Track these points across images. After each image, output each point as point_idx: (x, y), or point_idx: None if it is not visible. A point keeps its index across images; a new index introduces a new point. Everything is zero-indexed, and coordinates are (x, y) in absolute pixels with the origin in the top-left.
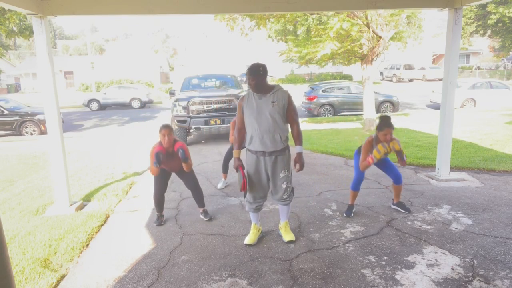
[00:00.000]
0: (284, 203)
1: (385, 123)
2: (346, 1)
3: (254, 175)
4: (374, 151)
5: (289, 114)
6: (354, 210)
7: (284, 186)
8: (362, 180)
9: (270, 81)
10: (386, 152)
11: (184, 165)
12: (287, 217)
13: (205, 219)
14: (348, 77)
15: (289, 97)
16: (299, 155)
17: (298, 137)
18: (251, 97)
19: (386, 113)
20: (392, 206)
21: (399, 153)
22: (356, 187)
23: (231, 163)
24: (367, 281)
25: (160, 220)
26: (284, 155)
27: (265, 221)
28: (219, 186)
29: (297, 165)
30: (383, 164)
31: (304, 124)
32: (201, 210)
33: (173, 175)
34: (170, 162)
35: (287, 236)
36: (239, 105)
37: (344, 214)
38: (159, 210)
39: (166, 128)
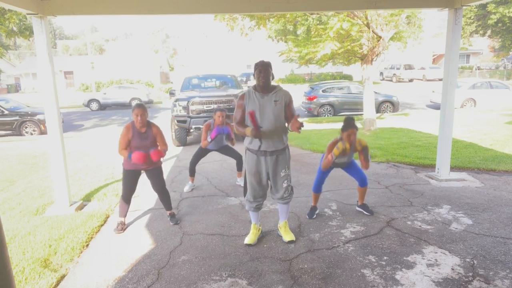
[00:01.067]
0: (284, 201)
1: (348, 124)
2: (346, 1)
3: (255, 174)
4: (334, 148)
5: (290, 112)
6: (317, 211)
7: (285, 185)
8: (323, 182)
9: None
10: (344, 148)
11: (152, 152)
12: (286, 216)
13: (171, 224)
14: (348, 77)
15: (291, 97)
16: (296, 116)
17: None
18: (252, 96)
19: (351, 116)
20: (357, 208)
21: (364, 152)
22: (317, 189)
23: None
24: (367, 281)
25: (120, 227)
26: (284, 154)
27: (265, 221)
28: (186, 189)
29: (297, 122)
30: (350, 167)
31: (304, 124)
32: (168, 213)
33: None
34: (142, 142)
35: (287, 236)
36: (239, 104)
37: (307, 216)
38: (122, 214)
39: (140, 107)
